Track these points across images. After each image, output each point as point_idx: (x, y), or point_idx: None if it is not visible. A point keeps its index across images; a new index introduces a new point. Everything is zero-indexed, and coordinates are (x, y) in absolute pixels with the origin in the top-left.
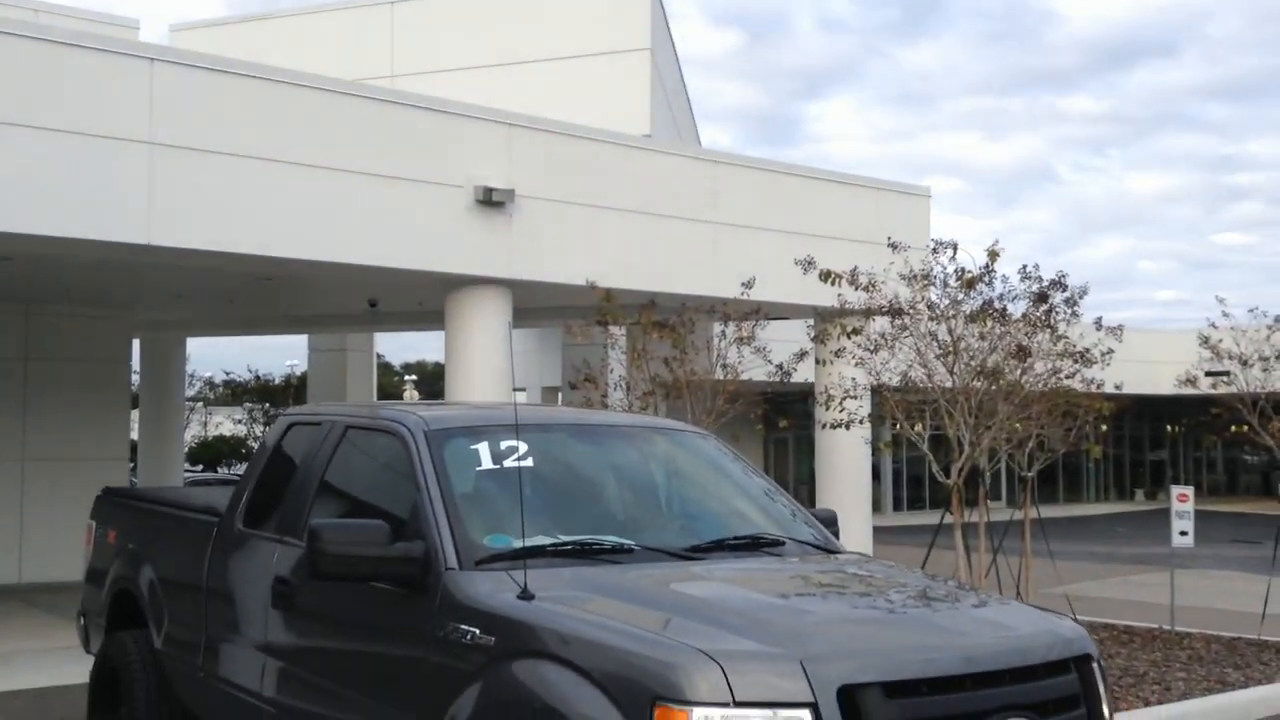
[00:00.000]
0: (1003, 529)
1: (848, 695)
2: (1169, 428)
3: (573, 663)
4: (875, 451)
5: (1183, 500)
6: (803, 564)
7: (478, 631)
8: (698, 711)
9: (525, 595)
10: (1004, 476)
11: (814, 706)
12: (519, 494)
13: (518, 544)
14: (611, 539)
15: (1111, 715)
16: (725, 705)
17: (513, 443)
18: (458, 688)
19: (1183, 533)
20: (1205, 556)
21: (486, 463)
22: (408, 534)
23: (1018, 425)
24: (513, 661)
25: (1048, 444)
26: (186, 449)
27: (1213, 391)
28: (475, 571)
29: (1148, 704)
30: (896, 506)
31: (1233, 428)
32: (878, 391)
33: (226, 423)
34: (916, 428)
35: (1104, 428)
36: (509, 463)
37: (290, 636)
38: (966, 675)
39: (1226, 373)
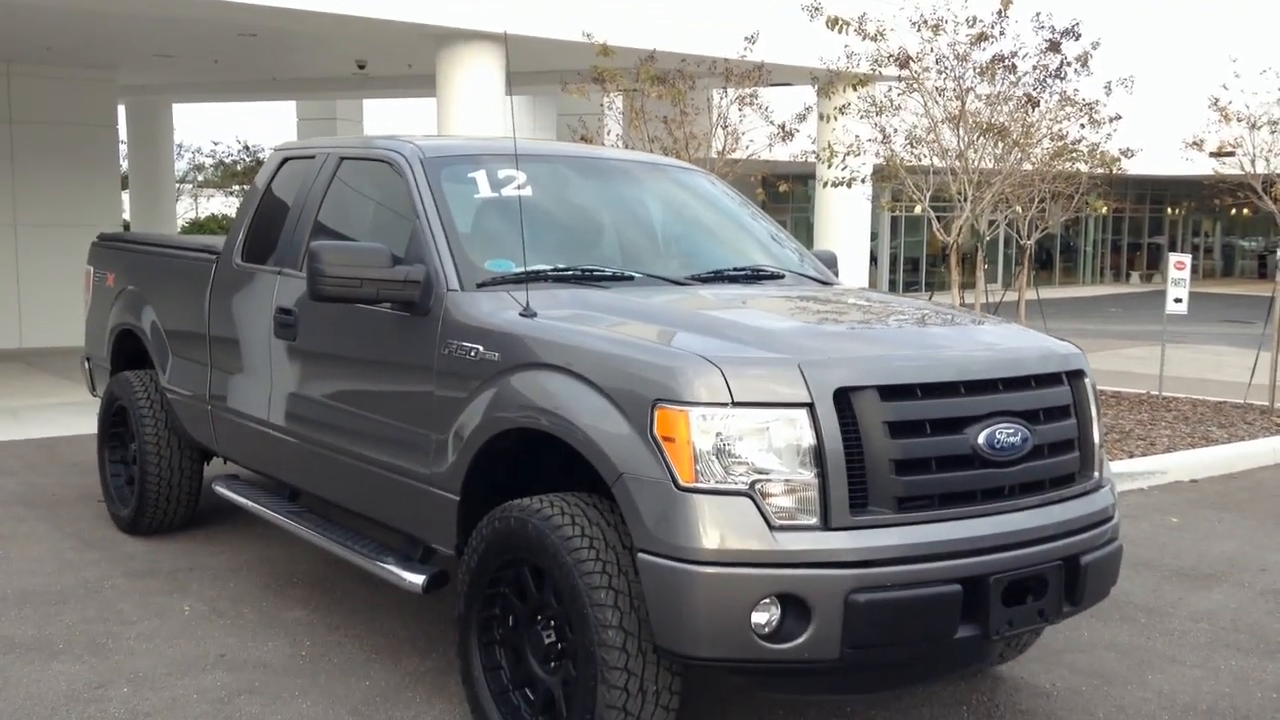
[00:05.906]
0: (996, 307)
1: (844, 397)
2: (1170, 210)
3: (576, 372)
4: (876, 210)
5: (1180, 268)
6: (801, 290)
7: (481, 349)
8: (696, 411)
9: (528, 313)
10: (1000, 260)
11: (810, 407)
12: (519, 221)
13: (518, 269)
14: (612, 268)
15: (1101, 432)
16: (724, 405)
17: (511, 172)
18: (462, 403)
19: (1177, 299)
20: (1196, 333)
21: (485, 191)
22: (408, 261)
23: (1017, 193)
24: (516, 374)
25: (1048, 213)
26: (179, 228)
27: (1219, 168)
28: (477, 292)
29: (1132, 456)
30: (892, 288)
31: (1233, 208)
32: (880, 170)
33: (219, 195)
34: (917, 208)
35: (1103, 209)
36: (507, 191)
37: (293, 364)
38: (960, 382)
39: (1231, 153)
